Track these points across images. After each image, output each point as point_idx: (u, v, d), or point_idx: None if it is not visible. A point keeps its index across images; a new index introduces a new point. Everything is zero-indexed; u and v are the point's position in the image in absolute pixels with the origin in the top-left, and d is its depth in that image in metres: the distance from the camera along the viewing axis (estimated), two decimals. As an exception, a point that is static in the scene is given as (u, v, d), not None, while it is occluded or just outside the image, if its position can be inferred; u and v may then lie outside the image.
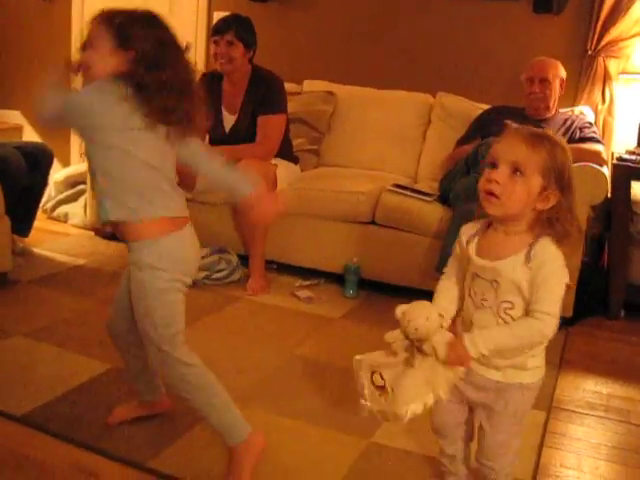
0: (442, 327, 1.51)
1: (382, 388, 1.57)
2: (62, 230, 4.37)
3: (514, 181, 1.51)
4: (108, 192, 1.84)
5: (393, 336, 1.59)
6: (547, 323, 1.52)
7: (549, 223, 1.54)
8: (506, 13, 4.04)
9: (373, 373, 1.60)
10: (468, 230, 1.67)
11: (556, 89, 3.51)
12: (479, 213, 1.63)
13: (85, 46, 1.85)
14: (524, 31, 4.01)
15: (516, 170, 1.51)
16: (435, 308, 1.54)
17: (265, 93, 3.56)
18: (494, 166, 1.54)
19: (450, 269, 1.73)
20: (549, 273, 1.52)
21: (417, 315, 1.50)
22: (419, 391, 1.52)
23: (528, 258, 1.52)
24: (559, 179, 1.52)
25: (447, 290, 1.71)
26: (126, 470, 1.95)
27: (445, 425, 1.79)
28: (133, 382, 2.18)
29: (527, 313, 1.55)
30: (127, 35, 1.82)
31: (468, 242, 1.64)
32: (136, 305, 1.87)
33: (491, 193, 1.53)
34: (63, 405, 2.24)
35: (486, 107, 3.81)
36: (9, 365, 2.51)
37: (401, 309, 1.54)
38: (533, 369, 1.63)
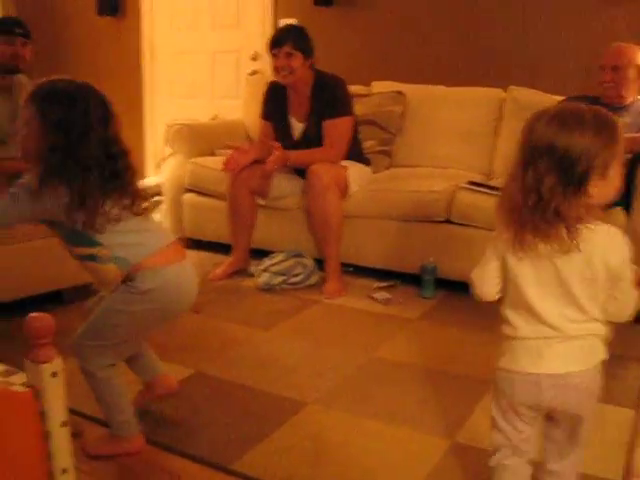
0: None
1: None
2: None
3: None
4: (123, 245, 1.89)
5: None
6: None
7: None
8: (574, 2, 3.94)
9: None
10: None
11: (631, 77, 3.37)
12: None
13: None
14: (597, 18, 3.90)
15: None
16: None
17: (329, 97, 3.57)
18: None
19: None
20: None
21: None
22: None
23: None
24: None
25: None
26: (209, 472, 1.96)
27: None
28: (128, 366, 2.22)
29: None
30: None
31: None
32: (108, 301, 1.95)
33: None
34: (148, 409, 2.28)
35: (560, 99, 3.71)
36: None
37: None
38: None
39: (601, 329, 1.54)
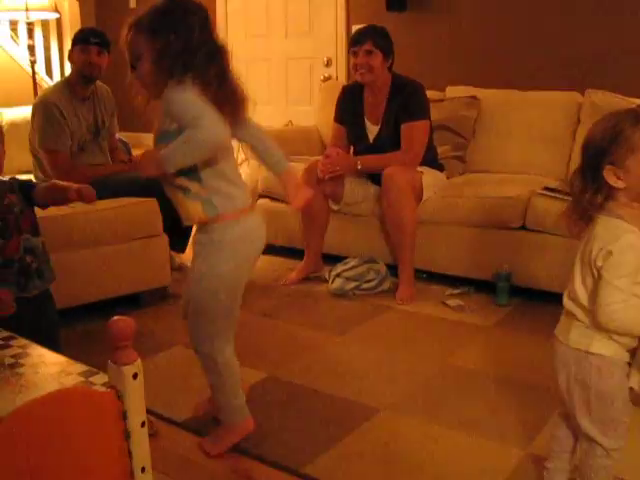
0: None
1: None
2: (216, 246, 4.54)
3: None
4: (216, 190, 1.93)
5: None
6: None
7: None
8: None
9: None
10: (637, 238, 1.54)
11: None
12: None
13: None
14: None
15: None
16: None
17: (407, 100, 3.55)
18: None
19: (627, 289, 1.54)
20: None
21: None
22: None
23: None
24: None
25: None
26: (281, 475, 1.98)
27: None
28: None
29: None
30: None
31: None
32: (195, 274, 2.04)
33: None
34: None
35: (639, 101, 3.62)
36: (171, 374, 2.63)
37: None
38: None
39: (583, 316, 1.61)
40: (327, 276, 3.62)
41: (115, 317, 1.10)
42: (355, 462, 2.04)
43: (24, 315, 1.88)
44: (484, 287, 3.51)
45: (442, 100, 4.26)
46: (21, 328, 1.46)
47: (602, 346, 1.59)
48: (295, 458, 2.05)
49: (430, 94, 3.94)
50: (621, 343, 1.59)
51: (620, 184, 1.52)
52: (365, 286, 3.51)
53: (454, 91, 4.32)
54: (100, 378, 1.21)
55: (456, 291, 3.50)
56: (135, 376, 1.09)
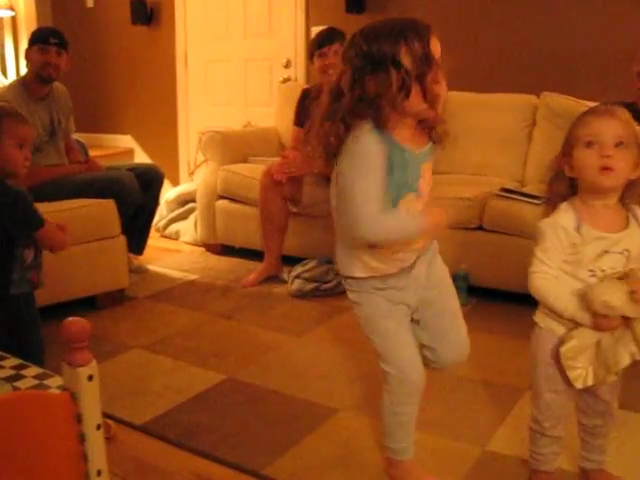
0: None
1: None
2: (174, 247, 4.52)
3: (622, 154, 1.60)
4: None
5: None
6: None
7: (634, 192, 1.66)
8: (609, 2, 3.90)
9: None
10: (566, 219, 1.65)
11: None
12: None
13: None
14: (631, 21, 3.84)
15: (620, 143, 1.60)
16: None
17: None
18: (590, 145, 1.61)
19: (553, 264, 1.66)
20: None
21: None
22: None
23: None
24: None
25: (564, 284, 1.66)
26: (241, 477, 1.97)
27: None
28: None
29: None
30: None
31: (578, 227, 1.64)
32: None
33: (608, 168, 1.60)
34: (181, 414, 2.30)
35: (593, 104, 3.66)
36: (129, 376, 2.60)
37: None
38: None
39: None
40: (286, 277, 3.62)
41: (70, 318, 1.08)
42: (315, 462, 2.04)
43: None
44: (442, 287, 3.52)
45: (400, 102, 4.27)
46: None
47: (540, 316, 1.73)
48: (255, 460, 2.04)
49: (388, 96, 3.96)
50: (553, 318, 1.68)
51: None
52: (324, 287, 3.51)
53: (412, 93, 4.33)
54: (55, 381, 1.19)
55: (415, 291, 3.51)
56: (90, 378, 1.08)
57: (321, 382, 2.56)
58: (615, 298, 1.53)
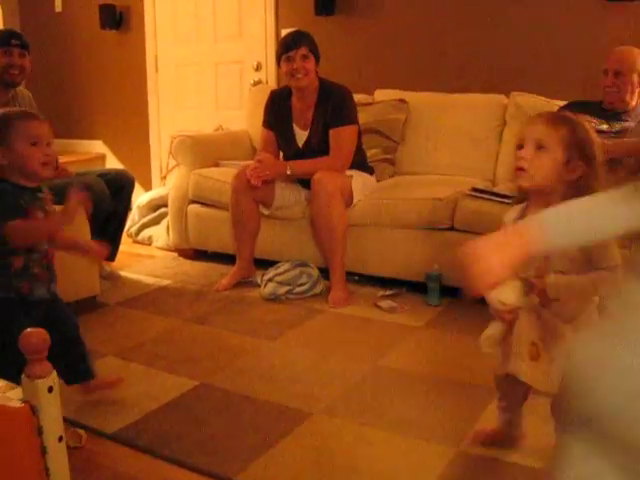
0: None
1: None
2: (146, 253, 4.49)
3: (539, 156, 1.74)
4: None
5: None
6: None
7: (579, 193, 1.66)
8: (577, 3, 3.93)
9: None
10: (510, 215, 1.86)
11: (633, 81, 3.34)
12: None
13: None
14: (598, 21, 3.88)
15: (540, 146, 1.75)
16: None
17: (335, 105, 3.57)
18: (521, 147, 1.78)
19: None
20: None
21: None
22: None
23: None
24: (582, 152, 1.74)
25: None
26: (215, 484, 1.96)
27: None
28: None
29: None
30: None
31: (516, 220, 1.78)
32: None
33: (520, 168, 1.77)
34: (153, 422, 2.28)
35: (562, 103, 3.70)
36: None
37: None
38: None
39: None
40: (259, 281, 3.61)
41: (28, 329, 1.07)
42: (288, 467, 2.03)
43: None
44: (416, 288, 3.54)
45: (371, 103, 4.29)
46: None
47: None
48: (228, 466, 2.03)
49: (359, 97, 3.97)
50: None
51: None
52: (297, 290, 3.50)
53: (383, 94, 4.35)
54: (16, 393, 1.17)
55: (388, 292, 3.52)
56: (50, 389, 1.06)
57: (294, 386, 2.55)
58: (509, 296, 1.64)
